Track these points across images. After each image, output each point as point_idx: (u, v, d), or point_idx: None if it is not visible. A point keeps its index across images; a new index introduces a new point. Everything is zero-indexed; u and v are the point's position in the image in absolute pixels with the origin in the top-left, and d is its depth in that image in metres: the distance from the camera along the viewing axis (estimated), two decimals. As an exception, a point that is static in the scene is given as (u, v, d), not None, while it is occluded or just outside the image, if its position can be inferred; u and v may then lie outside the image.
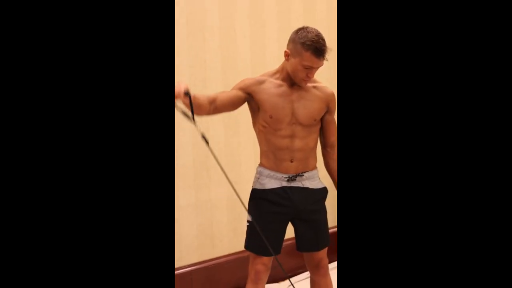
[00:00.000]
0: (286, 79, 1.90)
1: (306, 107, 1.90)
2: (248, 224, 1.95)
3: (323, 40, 1.80)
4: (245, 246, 1.99)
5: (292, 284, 1.80)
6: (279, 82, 1.91)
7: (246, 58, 2.73)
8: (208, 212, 2.65)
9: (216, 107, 1.84)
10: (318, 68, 1.83)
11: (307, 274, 2.90)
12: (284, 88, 1.90)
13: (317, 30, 1.82)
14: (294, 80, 1.87)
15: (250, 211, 1.96)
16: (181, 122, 2.50)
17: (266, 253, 1.91)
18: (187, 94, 1.63)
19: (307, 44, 1.78)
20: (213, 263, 2.67)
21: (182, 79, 2.49)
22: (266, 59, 2.79)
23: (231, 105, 1.90)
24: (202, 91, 2.56)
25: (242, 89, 1.91)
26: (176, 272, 2.54)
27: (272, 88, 1.90)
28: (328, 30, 2.86)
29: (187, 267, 2.58)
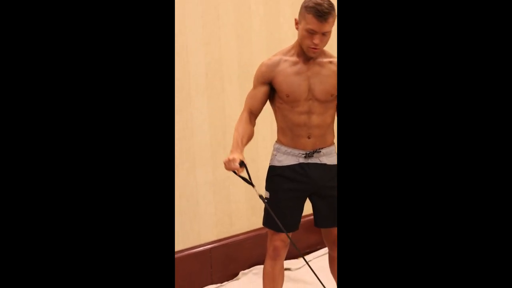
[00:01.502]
0: (301, 54, 1.88)
1: (323, 83, 1.88)
2: (265, 201, 1.96)
3: (328, 3, 1.76)
4: (263, 223, 2.00)
5: (307, 263, 1.81)
6: (294, 59, 1.89)
7: (261, 35, 2.70)
8: (226, 190, 2.66)
9: (255, 116, 1.97)
10: (323, 33, 1.78)
11: (325, 250, 2.92)
12: (300, 65, 1.88)
13: None
14: (304, 51, 1.85)
15: (267, 187, 1.97)
16: (196, 102, 2.50)
17: (284, 230, 1.93)
18: (242, 165, 1.78)
19: (310, 7, 1.76)
20: (232, 241, 2.69)
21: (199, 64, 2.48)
22: (281, 36, 2.76)
23: (264, 103, 1.96)
24: (217, 69, 2.56)
25: (262, 83, 1.91)
26: (195, 250, 2.57)
27: (288, 68, 1.88)
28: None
29: (206, 245, 2.61)
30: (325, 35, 1.80)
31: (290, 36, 2.76)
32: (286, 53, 1.92)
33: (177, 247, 2.50)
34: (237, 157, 1.77)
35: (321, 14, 1.74)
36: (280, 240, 1.95)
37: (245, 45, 2.64)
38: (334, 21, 1.79)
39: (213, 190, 2.62)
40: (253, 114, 1.95)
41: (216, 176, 2.62)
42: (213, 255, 2.62)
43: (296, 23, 1.85)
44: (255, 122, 1.97)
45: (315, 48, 1.81)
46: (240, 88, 2.62)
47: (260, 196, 1.84)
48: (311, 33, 1.79)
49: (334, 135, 2.00)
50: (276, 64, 1.89)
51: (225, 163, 1.78)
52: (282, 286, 2.03)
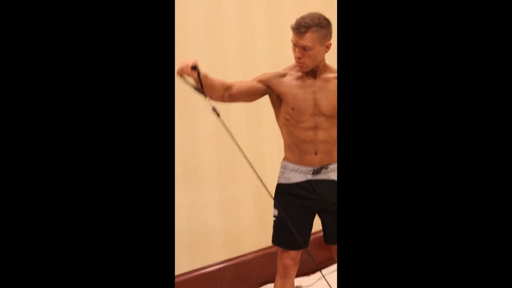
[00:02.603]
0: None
1: (328, 98, 1.88)
2: (274, 219, 1.94)
3: (311, 19, 1.80)
4: (272, 241, 1.99)
5: (323, 276, 1.79)
6: (299, 74, 1.91)
7: (265, 56, 2.71)
8: (234, 209, 2.65)
9: (231, 94, 1.87)
10: (304, 47, 1.80)
11: (336, 266, 2.89)
12: (305, 79, 1.89)
13: (315, 13, 1.83)
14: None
15: (276, 205, 1.96)
16: (203, 119, 2.50)
17: (294, 247, 1.90)
18: (194, 68, 1.66)
19: (295, 21, 1.83)
20: (241, 260, 2.67)
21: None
22: (284, 56, 2.77)
23: (248, 94, 1.92)
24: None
25: (261, 81, 1.92)
26: (204, 270, 2.54)
27: (293, 80, 1.90)
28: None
29: (215, 265, 2.59)
30: (306, 49, 1.81)
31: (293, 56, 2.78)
32: (292, 68, 1.94)
33: (186, 268, 2.48)
34: (191, 61, 1.69)
35: (296, 27, 1.80)
36: (290, 258, 1.94)
37: (248, 65, 2.66)
38: (316, 38, 1.80)
39: (221, 209, 2.61)
40: (229, 87, 1.86)
41: (223, 195, 2.61)
42: (222, 275, 2.59)
43: None
44: (224, 94, 1.85)
45: (299, 62, 1.85)
46: (246, 106, 2.63)
47: (213, 108, 1.73)
48: (294, 47, 1.84)
49: None
50: (283, 75, 1.92)
51: (178, 70, 1.70)
52: None
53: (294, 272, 1.98)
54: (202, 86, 1.72)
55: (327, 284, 1.82)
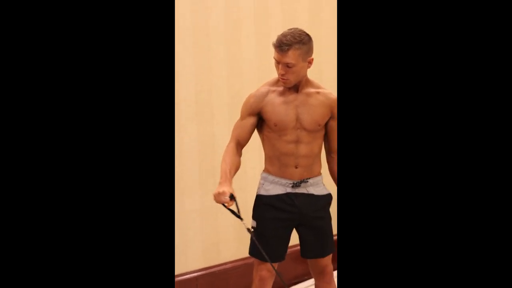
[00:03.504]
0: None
1: (310, 112, 1.91)
2: (252, 230, 1.95)
3: (293, 36, 1.81)
4: (249, 252, 2.00)
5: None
6: (281, 89, 1.93)
7: (252, 66, 2.74)
8: (214, 218, 2.66)
9: (242, 146, 1.98)
10: (287, 64, 1.83)
11: (312, 281, 2.90)
12: (287, 94, 1.92)
13: (295, 29, 1.84)
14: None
15: (254, 216, 1.97)
16: (186, 127, 2.51)
17: (271, 259, 1.92)
18: (232, 198, 1.78)
19: (276, 38, 1.85)
20: (219, 269, 2.67)
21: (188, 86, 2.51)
22: (271, 66, 2.79)
23: (251, 133, 1.98)
24: (208, 98, 2.58)
25: (250, 114, 1.94)
26: (181, 277, 2.54)
27: (275, 98, 1.92)
28: (334, 37, 2.87)
29: (192, 273, 2.59)
30: (289, 66, 1.83)
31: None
32: (273, 84, 1.96)
33: (163, 275, 2.48)
34: (227, 190, 1.79)
35: (278, 45, 1.82)
36: (267, 270, 1.95)
37: (235, 75, 2.68)
38: (298, 54, 1.82)
39: (201, 218, 2.61)
40: (240, 145, 1.97)
41: (204, 204, 2.61)
42: (199, 284, 2.59)
43: None
44: (241, 153, 1.99)
45: (283, 79, 1.87)
46: (230, 116, 2.64)
47: (248, 230, 1.85)
48: (277, 63, 1.86)
49: (321, 166, 2.02)
50: (264, 94, 1.93)
51: (214, 196, 1.80)
52: None
53: (270, 285, 1.99)
54: (239, 211, 1.85)
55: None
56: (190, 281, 2.56)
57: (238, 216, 1.84)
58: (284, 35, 1.83)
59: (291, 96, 1.91)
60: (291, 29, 1.86)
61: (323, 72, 2.82)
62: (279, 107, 1.90)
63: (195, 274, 2.59)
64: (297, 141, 1.92)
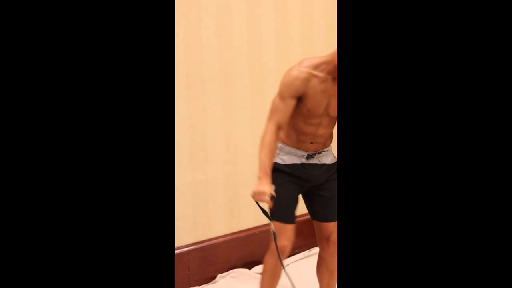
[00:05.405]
0: (331, 71, 1.89)
1: (336, 101, 1.93)
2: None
3: None
4: (272, 217, 1.98)
5: (283, 268, 1.82)
6: (323, 76, 1.90)
7: (242, 38, 2.70)
8: (204, 192, 2.65)
9: (281, 129, 1.97)
10: None
11: (302, 254, 2.93)
12: (327, 83, 1.91)
13: None
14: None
15: (273, 182, 1.96)
16: (177, 100, 2.49)
17: (290, 221, 2.00)
18: (272, 198, 1.82)
19: None
20: (210, 244, 2.68)
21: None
22: (262, 39, 2.76)
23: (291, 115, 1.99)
24: (198, 70, 2.55)
25: (293, 96, 1.91)
26: (172, 252, 2.55)
27: (317, 85, 1.90)
28: (327, 35, 2.83)
29: (183, 247, 2.59)
30: None
31: (272, 39, 2.77)
32: (316, 67, 1.91)
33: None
34: (268, 190, 1.82)
35: None
36: (287, 240, 2.00)
37: (226, 48, 2.64)
38: None
39: (192, 192, 2.61)
40: (280, 128, 1.96)
41: (195, 178, 2.60)
42: (190, 258, 2.60)
43: None
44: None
45: None
46: (221, 90, 2.61)
47: (274, 234, 1.88)
48: None
49: (332, 139, 2.11)
50: (308, 79, 1.89)
51: (254, 194, 1.83)
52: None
53: (289, 253, 2.06)
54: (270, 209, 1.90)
55: (292, 271, 1.85)
56: (182, 255, 2.57)
57: (269, 217, 1.88)
58: None
59: (329, 85, 1.91)
60: None
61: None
62: (318, 95, 1.90)
63: (187, 249, 2.59)
64: (319, 124, 1.98)
